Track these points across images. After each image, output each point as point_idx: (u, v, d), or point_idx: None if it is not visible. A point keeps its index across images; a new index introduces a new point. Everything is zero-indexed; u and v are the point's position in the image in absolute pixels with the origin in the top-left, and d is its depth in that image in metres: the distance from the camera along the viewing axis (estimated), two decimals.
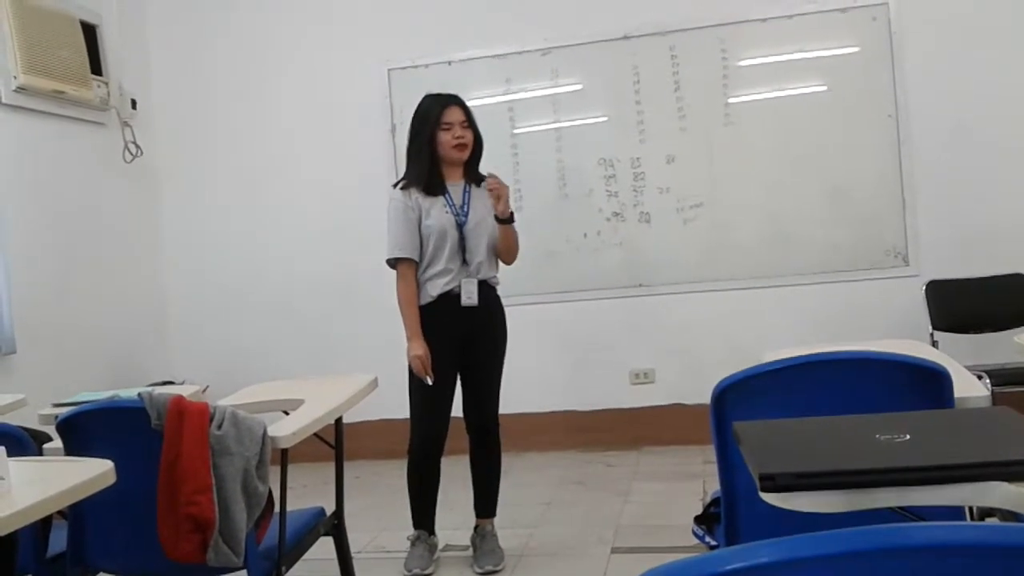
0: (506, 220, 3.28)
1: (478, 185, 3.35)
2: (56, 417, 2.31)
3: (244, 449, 2.17)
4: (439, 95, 3.34)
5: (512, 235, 3.34)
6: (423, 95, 3.40)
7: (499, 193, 3.22)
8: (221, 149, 5.43)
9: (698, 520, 2.20)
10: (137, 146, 5.18)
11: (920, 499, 1.24)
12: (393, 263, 3.31)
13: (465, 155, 3.31)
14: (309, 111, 5.31)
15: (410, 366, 3.25)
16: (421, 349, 3.23)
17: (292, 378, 3.33)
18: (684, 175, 4.91)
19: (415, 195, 3.29)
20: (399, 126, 5.08)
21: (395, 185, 3.39)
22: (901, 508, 1.28)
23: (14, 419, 2.53)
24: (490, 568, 3.28)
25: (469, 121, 3.31)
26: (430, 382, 3.23)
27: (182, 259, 5.48)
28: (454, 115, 3.28)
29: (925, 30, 4.62)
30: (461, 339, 3.30)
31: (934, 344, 4.13)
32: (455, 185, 3.33)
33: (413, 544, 3.36)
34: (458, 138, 3.27)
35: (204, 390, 3.17)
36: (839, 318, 4.66)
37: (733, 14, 4.80)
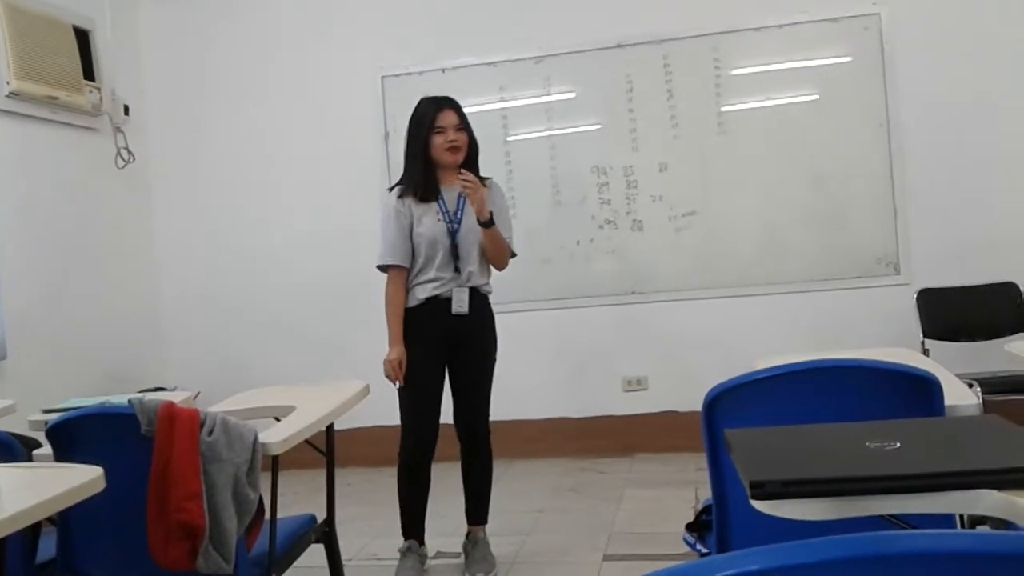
0: (486, 224, 3.22)
1: None
2: (46, 423, 2.30)
3: (235, 456, 2.16)
4: (434, 98, 3.33)
5: (495, 239, 3.26)
6: (419, 99, 3.39)
7: (471, 196, 3.17)
8: (214, 155, 5.42)
9: (689, 527, 2.20)
10: (129, 152, 5.17)
11: (910, 507, 1.24)
12: (383, 268, 3.31)
13: (459, 158, 3.29)
14: (302, 118, 5.31)
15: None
16: (395, 354, 3.24)
17: (284, 385, 3.32)
18: (677, 183, 4.92)
19: (409, 200, 3.29)
20: (392, 133, 5.09)
21: (390, 189, 3.39)
22: (891, 516, 1.28)
23: (3, 425, 2.51)
24: (482, 575, 3.27)
25: (463, 124, 3.30)
26: (397, 386, 3.26)
27: (174, 265, 5.47)
28: (448, 118, 3.27)
29: (917, 40, 4.65)
30: (449, 345, 3.30)
31: (925, 352, 4.14)
32: (450, 190, 3.31)
33: (403, 555, 3.33)
34: (451, 141, 3.26)
35: (195, 396, 3.15)
36: (830, 326, 4.68)
37: (726, 23, 4.82)
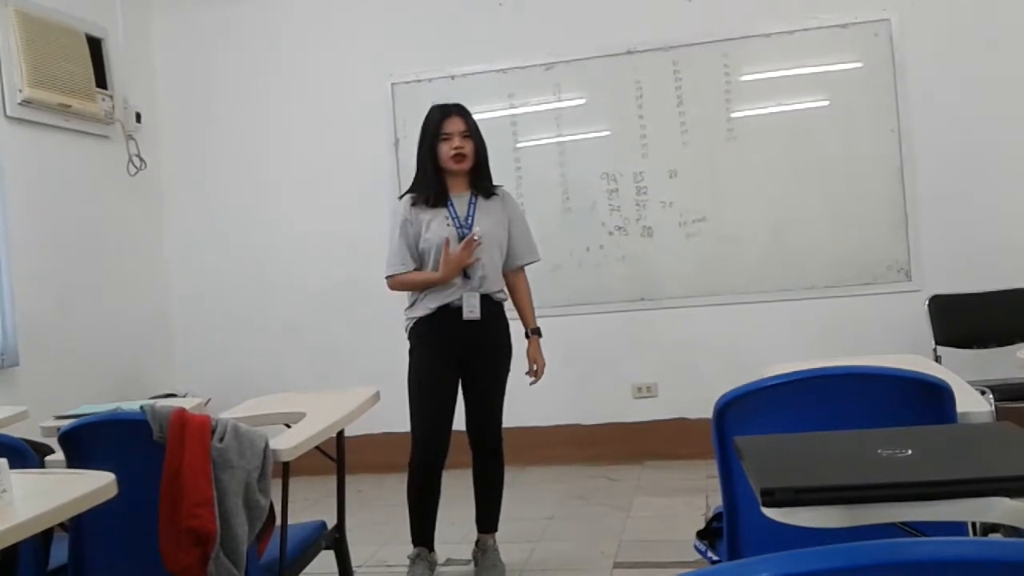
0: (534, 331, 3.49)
1: (486, 197, 3.33)
2: (58, 429, 2.31)
3: (246, 462, 2.17)
4: (442, 106, 3.33)
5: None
6: (430, 106, 3.39)
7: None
8: (225, 162, 5.45)
9: (700, 535, 2.19)
10: (141, 159, 5.20)
11: (922, 514, 1.23)
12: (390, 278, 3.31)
13: (464, 165, 3.27)
14: (313, 125, 5.32)
15: (411, 375, 3.26)
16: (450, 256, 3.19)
17: (294, 391, 3.33)
18: (686, 189, 4.91)
19: (418, 208, 3.29)
20: (402, 140, 5.10)
21: (400, 197, 3.39)
22: (903, 523, 1.28)
23: (16, 431, 2.53)
24: None
25: (470, 131, 3.27)
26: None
27: (185, 272, 5.49)
28: (454, 125, 3.25)
29: (927, 45, 4.64)
30: (462, 352, 3.28)
31: (937, 359, 4.12)
32: (460, 196, 3.30)
33: (413, 563, 3.32)
34: (456, 148, 3.23)
35: (206, 403, 3.16)
36: (841, 333, 4.66)
37: (736, 30, 4.82)
